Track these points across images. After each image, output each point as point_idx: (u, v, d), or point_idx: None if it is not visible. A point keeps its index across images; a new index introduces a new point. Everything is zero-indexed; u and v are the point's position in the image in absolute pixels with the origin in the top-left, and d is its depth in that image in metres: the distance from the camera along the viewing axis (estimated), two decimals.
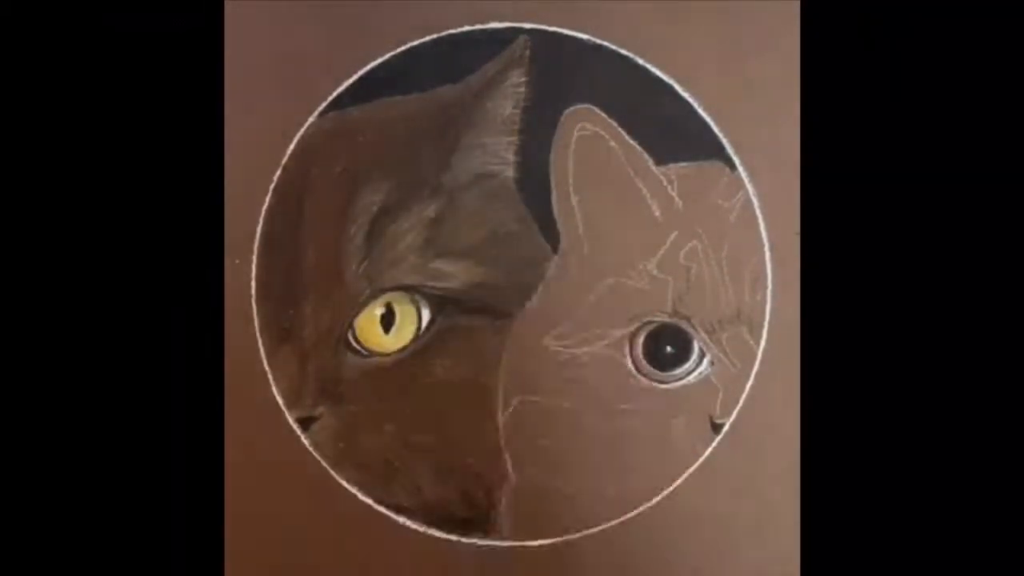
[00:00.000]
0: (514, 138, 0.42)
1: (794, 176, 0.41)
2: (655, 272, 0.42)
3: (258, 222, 0.42)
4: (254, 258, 0.42)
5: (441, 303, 0.41)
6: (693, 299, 0.42)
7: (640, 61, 0.42)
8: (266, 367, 0.42)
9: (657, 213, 0.42)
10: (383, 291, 0.41)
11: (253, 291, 0.42)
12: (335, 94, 0.42)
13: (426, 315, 0.41)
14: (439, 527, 0.42)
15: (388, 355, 0.42)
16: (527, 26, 0.42)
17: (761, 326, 0.42)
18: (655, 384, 0.42)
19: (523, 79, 0.42)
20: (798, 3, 0.39)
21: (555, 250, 0.42)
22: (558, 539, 0.42)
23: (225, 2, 0.41)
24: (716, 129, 0.42)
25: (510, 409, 0.42)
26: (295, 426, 0.42)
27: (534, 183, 0.42)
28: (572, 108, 0.42)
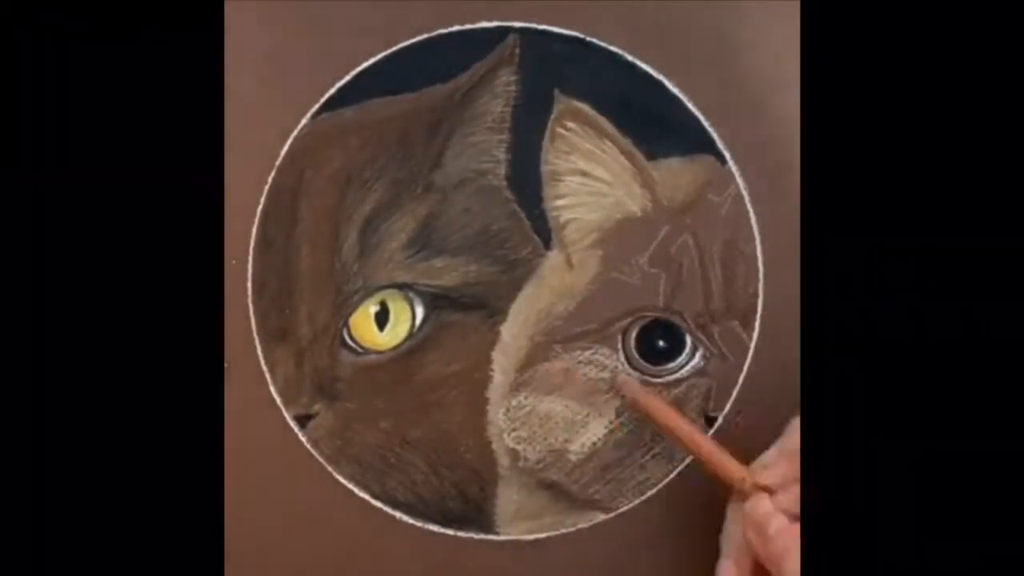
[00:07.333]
0: (505, 136, 0.42)
1: (784, 169, 0.41)
2: (647, 267, 0.42)
3: (253, 223, 0.42)
4: (250, 258, 0.42)
5: (434, 300, 0.42)
6: (685, 293, 0.42)
7: (629, 57, 0.42)
8: (263, 366, 0.42)
9: (648, 208, 0.42)
10: (377, 289, 0.42)
11: (249, 291, 0.42)
12: (327, 96, 0.42)
13: (420, 312, 0.42)
14: (435, 522, 0.42)
15: (383, 352, 0.42)
16: (516, 24, 0.42)
17: (753, 319, 0.42)
18: (648, 379, 0.42)
19: (513, 77, 0.42)
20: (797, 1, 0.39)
21: (546, 246, 0.42)
22: (553, 533, 0.42)
23: (225, 2, 0.41)
24: (706, 124, 0.42)
25: (504, 404, 0.42)
26: (292, 423, 0.42)
27: (525, 180, 0.42)
28: (562, 105, 0.42)
